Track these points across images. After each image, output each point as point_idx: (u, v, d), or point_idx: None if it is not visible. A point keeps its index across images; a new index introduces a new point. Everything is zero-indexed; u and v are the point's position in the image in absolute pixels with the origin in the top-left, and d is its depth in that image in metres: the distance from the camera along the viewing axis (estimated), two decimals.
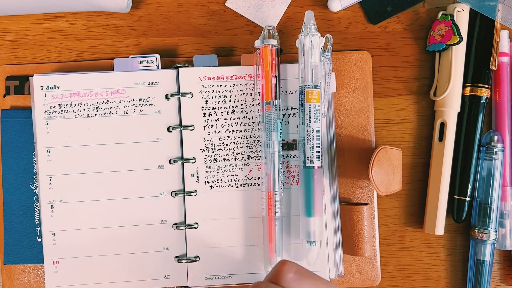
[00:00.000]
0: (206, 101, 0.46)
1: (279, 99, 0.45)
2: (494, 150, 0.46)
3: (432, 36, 0.47)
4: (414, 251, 0.48)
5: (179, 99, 0.45)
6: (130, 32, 0.48)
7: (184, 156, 0.45)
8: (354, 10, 0.49)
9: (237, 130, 0.46)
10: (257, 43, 0.45)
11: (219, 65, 0.46)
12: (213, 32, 0.48)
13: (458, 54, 0.46)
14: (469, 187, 0.46)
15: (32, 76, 0.45)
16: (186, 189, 0.45)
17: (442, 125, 0.47)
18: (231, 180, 0.45)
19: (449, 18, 0.46)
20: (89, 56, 0.48)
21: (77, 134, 0.45)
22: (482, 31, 0.47)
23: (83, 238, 0.45)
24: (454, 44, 0.45)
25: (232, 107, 0.46)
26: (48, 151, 0.45)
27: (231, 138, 0.46)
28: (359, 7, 0.48)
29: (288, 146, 0.46)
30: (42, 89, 0.45)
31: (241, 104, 0.46)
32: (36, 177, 0.46)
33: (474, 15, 0.47)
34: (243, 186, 0.45)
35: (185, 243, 0.45)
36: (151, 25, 0.48)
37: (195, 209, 0.45)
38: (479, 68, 0.47)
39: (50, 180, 0.45)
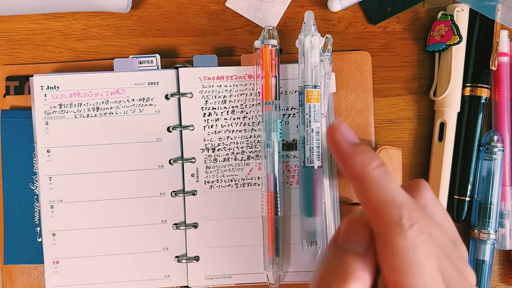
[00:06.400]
0: (206, 101, 0.46)
1: (279, 99, 0.45)
2: (494, 150, 0.46)
3: (432, 36, 0.47)
4: None
5: (179, 99, 0.45)
6: (130, 32, 0.48)
7: (184, 156, 0.45)
8: (354, 10, 0.49)
9: (237, 130, 0.46)
10: (257, 43, 0.45)
11: (219, 65, 0.46)
12: (213, 32, 0.48)
13: (458, 54, 0.46)
14: (469, 187, 0.46)
15: (32, 76, 0.45)
16: (186, 189, 0.45)
17: (442, 125, 0.47)
18: (231, 180, 0.45)
19: (449, 18, 0.46)
20: (89, 56, 0.48)
21: (77, 134, 0.45)
22: (482, 31, 0.47)
23: (83, 238, 0.45)
24: (454, 44, 0.45)
25: (232, 107, 0.46)
26: (48, 151, 0.45)
27: (231, 138, 0.46)
28: (359, 7, 0.48)
29: (288, 146, 0.46)
30: (42, 89, 0.45)
31: (241, 104, 0.46)
32: (36, 177, 0.46)
33: (474, 15, 0.47)
34: (243, 186, 0.45)
35: (185, 243, 0.45)
36: (151, 25, 0.48)
37: (195, 209, 0.45)
38: (479, 68, 0.47)
39: (50, 180, 0.45)
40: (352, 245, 0.24)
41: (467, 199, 0.46)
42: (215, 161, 0.45)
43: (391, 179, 0.23)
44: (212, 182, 0.45)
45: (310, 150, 0.42)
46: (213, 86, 0.46)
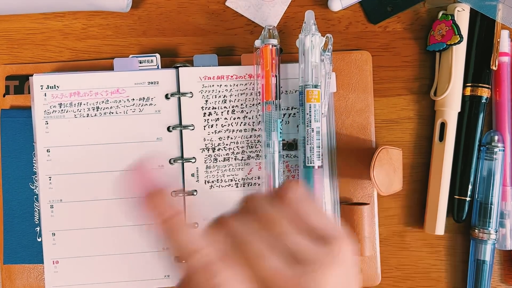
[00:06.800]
0: (206, 101, 0.45)
1: (279, 99, 0.45)
2: (495, 150, 0.46)
3: (433, 36, 0.47)
4: (414, 251, 0.48)
5: (179, 98, 0.45)
6: (130, 31, 0.48)
7: (184, 156, 0.45)
8: (354, 10, 0.48)
9: (237, 130, 0.46)
10: (257, 43, 0.44)
11: (219, 65, 0.46)
12: (213, 32, 0.48)
13: (458, 54, 0.46)
14: (470, 187, 0.46)
15: (32, 75, 0.45)
16: (186, 189, 0.45)
17: (443, 125, 0.47)
18: (231, 180, 0.45)
19: (450, 18, 0.46)
20: (89, 56, 0.48)
21: (77, 134, 0.45)
22: (483, 31, 0.47)
23: (83, 238, 0.45)
24: (455, 44, 0.45)
25: (232, 106, 0.46)
26: (48, 150, 0.45)
27: (231, 138, 0.45)
28: (359, 6, 0.48)
29: (288, 146, 0.46)
30: (42, 88, 0.45)
31: (241, 104, 0.46)
32: (36, 176, 0.46)
33: (474, 15, 0.47)
34: (243, 186, 0.45)
35: None
36: (151, 24, 0.48)
37: (195, 209, 0.45)
38: (479, 68, 0.46)
39: (50, 180, 0.45)
40: None
41: (468, 199, 0.46)
42: (215, 161, 0.45)
43: (183, 229, 0.25)
44: (212, 182, 0.45)
45: (310, 150, 0.42)
46: (213, 85, 0.46)
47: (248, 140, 0.46)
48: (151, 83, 0.45)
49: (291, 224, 0.25)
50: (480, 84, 0.46)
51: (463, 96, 0.47)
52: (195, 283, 0.22)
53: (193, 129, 0.45)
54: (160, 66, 0.46)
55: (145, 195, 0.25)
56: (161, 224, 0.24)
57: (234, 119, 0.46)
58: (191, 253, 0.23)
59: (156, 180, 0.26)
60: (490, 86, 0.47)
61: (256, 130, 0.46)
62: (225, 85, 0.46)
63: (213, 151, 0.45)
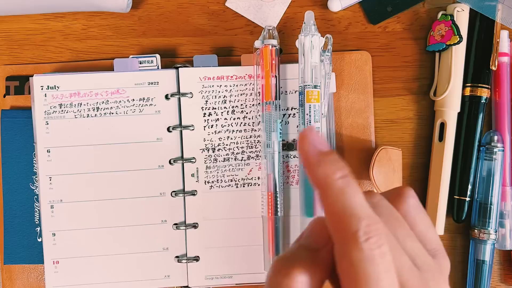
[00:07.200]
0: (206, 101, 0.46)
1: (279, 99, 0.45)
2: (494, 150, 0.46)
3: (432, 36, 0.47)
4: None
5: (179, 99, 0.45)
6: (130, 32, 0.48)
7: (184, 156, 0.45)
8: (354, 10, 0.49)
9: (237, 130, 0.46)
10: (257, 43, 0.45)
11: (219, 65, 0.46)
12: (213, 32, 0.48)
13: (458, 54, 0.46)
14: (469, 187, 0.46)
15: (32, 76, 0.45)
16: (186, 189, 0.45)
17: (442, 125, 0.47)
18: (231, 180, 0.45)
19: (449, 18, 0.46)
20: (89, 56, 0.48)
21: (77, 134, 0.45)
22: (482, 31, 0.47)
23: (83, 238, 0.45)
24: (454, 44, 0.45)
25: (232, 107, 0.46)
26: (48, 151, 0.45)
27: (231, 138, 0.46)
28: (359, 7, 0.48)
29: (288, 146, 0.46)
30: (42, 89, 0.45)
31: (241, 104, 0.46)
32: (36, 177, 0.46)
33: (474, 15, 0.47)
34: (243, 186, 0.45)
35: (185, 243, 0.45)
36: (151, 25, 0.48)
37: (195, 209, 0.45)
38: (479, 68, 0.47)
39: (50, 180, 0.45)
40: (308, 241, 0.25)
41: (467, 199, 0.46)
42: (215, 161, 0.45)
43: (354, 191, 0.23)
44: (212, 182, 0.45)
45: None
46: (213, 86, 0.46)
47: (248, 141, 0.46)
48: (151, 83, 0.46)
49: (412, 230, 0.25)
50: (479, 84, 0.46)
51: (463, 96, 0.47)
52: (363, 247, 0.21)
53: (193, 130, 0.45)
54: (160, 67, 0.46)
55: (319, 152, 0.24)
56: (336, 180, 0.23)
57: (234, 119, 0.46)
58: (362, 217, 0.22)
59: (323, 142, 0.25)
60: (489, 86, 0.47)
61: (256, 130, 0.46)
62: (225, 86, 0.46)
63: (213, 152, 0.45)
